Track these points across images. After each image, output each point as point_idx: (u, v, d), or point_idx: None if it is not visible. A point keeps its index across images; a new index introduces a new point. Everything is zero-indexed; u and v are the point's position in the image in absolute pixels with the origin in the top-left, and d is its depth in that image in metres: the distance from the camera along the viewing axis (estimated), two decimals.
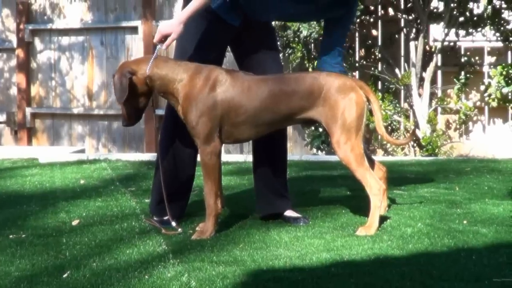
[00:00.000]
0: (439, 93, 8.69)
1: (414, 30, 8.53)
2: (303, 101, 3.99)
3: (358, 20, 8.18)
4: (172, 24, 4.03)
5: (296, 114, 4.03)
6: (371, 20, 8.90)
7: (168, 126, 4.37)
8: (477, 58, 8.80)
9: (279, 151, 4.49)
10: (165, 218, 4.29)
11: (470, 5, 8.39)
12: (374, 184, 3.98)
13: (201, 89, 3.92)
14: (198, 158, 4.27)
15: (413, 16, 8.60)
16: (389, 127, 8.35)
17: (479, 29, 8.47)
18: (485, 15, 8.27)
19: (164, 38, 4.03)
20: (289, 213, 4.39)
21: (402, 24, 8.76)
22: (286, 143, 4.55)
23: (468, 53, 8.75)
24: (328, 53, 4.42)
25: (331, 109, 3.97)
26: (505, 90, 8.27)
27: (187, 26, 4.09)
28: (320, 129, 8.28)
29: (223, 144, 4.07)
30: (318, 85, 3.99)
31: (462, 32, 8.49)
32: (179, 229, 4.07)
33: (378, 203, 3.97)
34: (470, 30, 8.45)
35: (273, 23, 8.16)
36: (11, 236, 4.02)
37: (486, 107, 8.66)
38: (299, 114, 4.03)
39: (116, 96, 3.98)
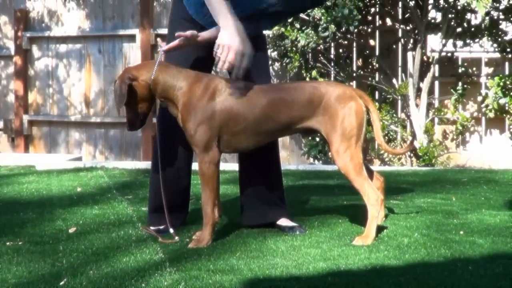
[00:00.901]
0: (436, 104, 8.70)
1: (411, 41, 8.54)
2: (303, 110, 3.99)
3: (355, 30, 8.18)
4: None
5: (295, 123, 4.03)
6: (369, 30, 8.92)
7: (161, 137, 4.37)
8: (474, 69, 8.81)
9: (272, 159, 4.48)
10: (161, 227, 4.30)
11: (468, 16, 8.40)
12: (372, 194, 3.98)
13: (200, 98, 3.93)
14: (194, 167, 4.28)
15: (411, 26, 8.62)
16: (386, 137, 8.36)
17: (476, 40, 8.48)
18: (483, 26, 8.29)
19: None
20: (284, 222, 4.39)
21: (400, 35, 8.77)
22: (277, 150, 4.54)
23: (465, 63, 8.76)
24: None
25: (330, 118, 3.97)
26: (502, 101, 8.27)
27: (170, 30, 4.18)
28: (317, 139, 8.28)
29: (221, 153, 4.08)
30: (318, 94, 4.00)
31: (459, 43, 8.50)
32: (176, 237, 4.06)
33: (375, 213, 3.97)
34: (468, 41, 8.46)
35: (269, 32, 8.21)
36: (8, 243, 4.01)
37: (483, 118, 8.66)
38: (298, 123, 4.03)
39: (115, 101, 3.98)
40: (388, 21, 8.93)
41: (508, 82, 8.22)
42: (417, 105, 8.33)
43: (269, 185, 4.45)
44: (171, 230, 4.12)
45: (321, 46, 8.28)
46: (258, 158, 4.40)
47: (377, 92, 8.74)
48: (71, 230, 4.37)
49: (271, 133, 4.07)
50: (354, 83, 8.72)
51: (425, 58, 8.64)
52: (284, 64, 8.46)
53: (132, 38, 9.45)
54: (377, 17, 8.93)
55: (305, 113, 4.00)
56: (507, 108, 8.35)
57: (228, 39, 3.81)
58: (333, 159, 4.06)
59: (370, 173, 4.24)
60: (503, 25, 8.43)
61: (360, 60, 8.95)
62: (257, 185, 4.44)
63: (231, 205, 5.17)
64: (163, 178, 4.21)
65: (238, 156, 4.47)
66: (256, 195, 4.44)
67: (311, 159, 8.63)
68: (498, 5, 8.29)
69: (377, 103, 8.41)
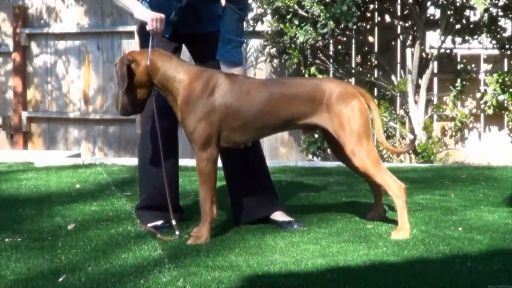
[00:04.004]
0: (435, 100, 8.70)
1: (410, 37, 8.53)
2: (304, 106, 3.99)
3: (354, 26, 8.17)
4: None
5: (296, 119, 4.03)
6: (368, 26, 8.91)
7: (147, 134, 4.40)
8: (473, 65, 8.80)
9: (257, 154, 4.48)
10: (159, 223, 4.30)
11: (467, 12, 8.39)
12: (394, 185, 4.02)
13: (200, 94, 3.92)
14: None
15: (410, 23, 8.61)
16: (385, 134, 8.35)
17: (475, 37, 8.47)
18: (482, 22, 8.28)
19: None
20: (281, 217, 4.38)
21: (399, 31, 8.76)
22: (260, 145, 4.55)
23: (464, 60, 8.75)
24: (221, 43, 4.37)
25: (336, 117, 3.98)
26: (501, 97, 8.27)
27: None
28: (316, 135, 8.28)
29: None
30: (319, 91, 4.00)
31: (458, 40, 8.48)
32: (177, 232, 4.06)
33: (402, 203, 4.00)
34: (467, 38, 8.44)
35: (268, 28, 8.21)
36: (6, 240, 4.02)
37: (482, 115, 8.66)
38: (300, 119, 4.03)
39: (118, 83, 3.97)
40: (387, 18, 8.92)
41: (506, 79, 8.22)
42: (416, 102, 8.32)
43: (257, 181, 4.46)
44: (173, 222, 4.11)
45: (320, 42, 8.28)
46: (242, 156, 4.39)
47: (376, 89, 8.73)
48: (70, 226, 4.38)
49: (271, 128, 4.08)
50: (353, 80, 8.71)
51: (424, 54, 8.63)
52: (283, 60, 8.45)
53: (131, 34, 9.43)
54: (376, 13, 8.91)
55: (306, 109, 4.00)
56: (505, 104, 8.35)
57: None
58: (350, 159, 4.07)
59: None
60: (502, 22, 8.42)
61: (359, 56, 8.94)
62: (245, 183, 4.44)
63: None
64: (166, 176, 4.22)
65: (220, 155, 4.43)
66: (245, 192, 4.43)
67: (310, 156, 8.63)
68: (497, 1, 8.28)
69: (376, 100, 8.40)
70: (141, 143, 4.47)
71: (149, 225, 4.31)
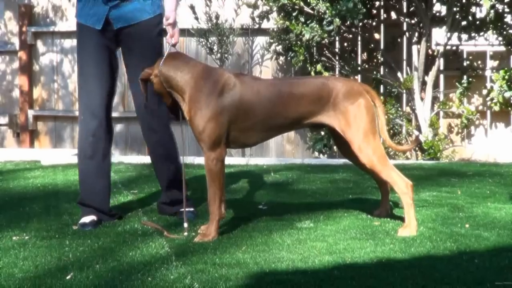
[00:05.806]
0: (441, 97, 8.69)
1: (416, 34, 8.53)
2: (312, 105, 4.00)
3: (360, 24, 8.17)
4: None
5: (305, 118, 4.04)
6: (374, 24, 8.91)
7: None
8: (479, 62, 8.79)
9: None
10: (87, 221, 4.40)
11: (473, 9, 8.38)
12: (400, 182, 4.02)
13: (209, 93, 3.91)
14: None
15: (416, 20, 8.60)
16: (391, 131, 8.35)
17: (481, 33, 8.46)
18: (488, 19, 8.26)
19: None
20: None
21: (405, 28, 8.75)
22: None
23: (470, 57, 8.74)
24: None
25: (343, 115, 3.99)
26: (507, 94, 8.25)
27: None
28: (322, 133, 8.28)
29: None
30: (327, 90, 4.01)
31: (464, 36, 8.47)
32: (185, 233, 4.07)
33: (409, 200, 4.01)
34: (473, 34, 8.43)
35: (274, 26, 8.21)
36: (14, 238, 4.03)
37: (488, 111, 8.65)
38: (307, 118, 4.04)
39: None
40: (393, 15, 8.92)
41: None
42: (422, 99, 8.32)
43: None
44: (185, 225, 4.13)
45: (325, 40, 8.27)
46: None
47: (382, 86, 8.72)
48: (77, 225, 4.39)
49: (279, 128, 4.09)
50: (359, 77, 8.70)
51: (430, 51, 8.62)
52: (289, 58, 8.45)
53: None
54: (382, 10, 8.91)
55: (314, 108, 4.01)
56: None
57: None
58: (357, 156, 4.08)
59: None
60: (508, 18, 8.40)
61: (365, 53, 8.93)
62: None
63: (237, 199, 5.18)
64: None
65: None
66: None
67: (316, 153, 8.63)
68: None
69: (382, 97, 8.39)
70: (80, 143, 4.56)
71: (80, 221, 4.38)
